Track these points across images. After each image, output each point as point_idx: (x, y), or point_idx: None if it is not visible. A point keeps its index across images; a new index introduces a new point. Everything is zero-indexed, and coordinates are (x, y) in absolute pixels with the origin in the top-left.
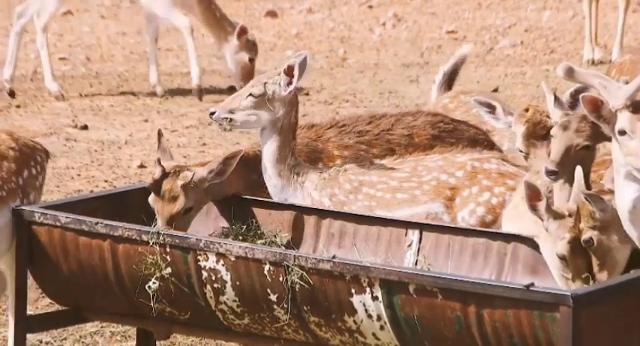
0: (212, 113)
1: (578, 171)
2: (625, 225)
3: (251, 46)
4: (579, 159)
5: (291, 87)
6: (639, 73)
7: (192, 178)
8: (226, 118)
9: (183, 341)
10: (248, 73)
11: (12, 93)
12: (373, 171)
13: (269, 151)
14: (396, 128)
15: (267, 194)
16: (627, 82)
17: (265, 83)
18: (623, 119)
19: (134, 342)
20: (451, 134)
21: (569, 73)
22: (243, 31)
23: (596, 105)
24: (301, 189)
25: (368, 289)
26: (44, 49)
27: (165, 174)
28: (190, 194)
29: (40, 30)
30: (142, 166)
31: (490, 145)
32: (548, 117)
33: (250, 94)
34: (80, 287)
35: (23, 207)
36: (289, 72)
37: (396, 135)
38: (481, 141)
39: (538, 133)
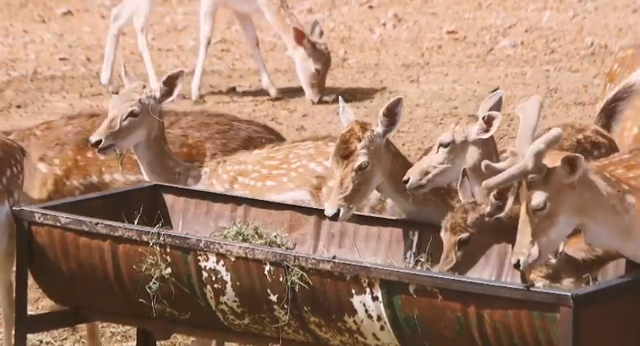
0: (98, 142)
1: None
2: None
3: (319, 56)
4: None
5: (173, 96)
6: None
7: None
8: (112, 146)
9: (184, 342)
10: (316, 84)
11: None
12: (249, 161)
13: (147, 161)
14: (174, 128)
15: None
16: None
17: (140, 100)
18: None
19: (134, 342)
20: (224, 134)
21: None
22: (299, 35)
23: None
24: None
25: (368, 289)
26: (146, 51)
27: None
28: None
29: (139, 31)
30: None
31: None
32: None
33: (131, 114)
34: (80, 287)
35: (23, 208)
36: (170, 82)
37: (171, 136)
38: (258, 139)
39: None
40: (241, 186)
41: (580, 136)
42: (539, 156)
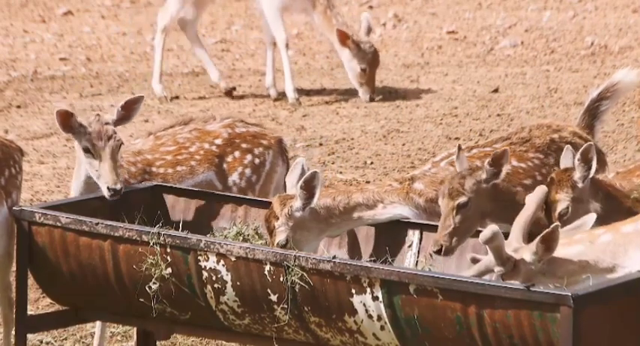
0: (120, 189)
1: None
2: None
3: (363, 55)
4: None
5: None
6: None
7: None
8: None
9: (184, 342)
10: (364, 83)
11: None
12: (145, 150)
13: (87, 178)
14: None
15: None
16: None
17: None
18: None
19: (134, 342)
20: None
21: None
22: (342, 36)
23: None
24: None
25: (368, 289)
26: (159, 49)
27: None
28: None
29: (159, 29)
30: None
31: None
32: None
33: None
34: (80, 287)
35: (23, 208)
36: (128, 107)
37: None
38: None
39: None
40: (154, 176)
41: (555, 136)
42: (498, 251)
